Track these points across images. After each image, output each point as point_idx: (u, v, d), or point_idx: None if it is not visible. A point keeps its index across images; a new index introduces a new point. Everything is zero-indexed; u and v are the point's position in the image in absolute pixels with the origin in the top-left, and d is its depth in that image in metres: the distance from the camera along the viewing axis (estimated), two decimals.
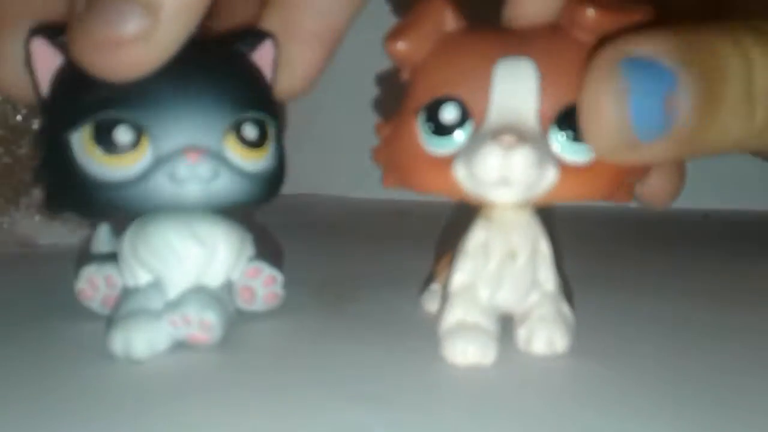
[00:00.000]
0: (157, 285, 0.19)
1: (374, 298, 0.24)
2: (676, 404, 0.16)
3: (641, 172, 0.19)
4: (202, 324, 0.19)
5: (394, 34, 0.19)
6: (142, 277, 0.20)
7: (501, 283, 0.19)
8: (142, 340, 0.18)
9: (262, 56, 0.21)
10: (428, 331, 0.20)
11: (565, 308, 0.20)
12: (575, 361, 0.19)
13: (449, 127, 0.18)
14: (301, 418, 0.16)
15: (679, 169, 0.24)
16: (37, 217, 0.30)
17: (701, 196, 0.40)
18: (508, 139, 0.17)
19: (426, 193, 0.19)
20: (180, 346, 0.19)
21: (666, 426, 0.15)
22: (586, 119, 0.16)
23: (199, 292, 0.19)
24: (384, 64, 0.37)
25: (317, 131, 0.41)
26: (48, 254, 0.29)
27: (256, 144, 0.19)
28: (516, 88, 0.18)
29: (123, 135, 0.18)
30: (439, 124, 0.18)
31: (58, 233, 0.30)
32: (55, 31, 0.19)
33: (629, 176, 0.19)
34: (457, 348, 0.19)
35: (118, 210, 0.18)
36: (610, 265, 0.29)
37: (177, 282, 0.19)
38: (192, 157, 0.18)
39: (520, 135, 0.17)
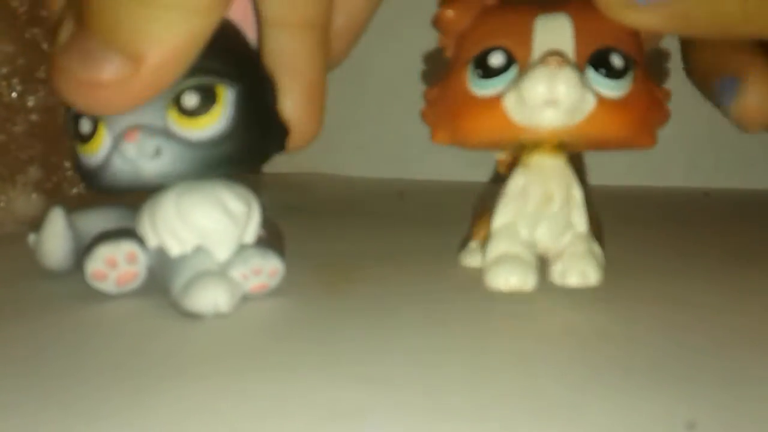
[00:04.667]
0: (201, 249, 0.20)
1: (375, 277, 0.24)
2: (670, 370, 0.17)
3: (664, 116, 0.21)
4: (271, 272, 0.20)
5: (445, 4, 0.21)
6: (189, 243, 0.20)
7: (538, 224, 0.21)
8: (226, 296, 0.19)
9: (237, 9, 0.20)
10: (428, 311, 0.20)
11: (596, 247, 0.22)
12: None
13: (497, 70, 0.20)
14: (301, 398, 0.15)
15: None
16: (33, 196, 0.30)
17: (702, 174, 0.40)
18: (554, 59, 0.19)
19: (475, 137, 0.21)
20: (175, 322, 0.19)
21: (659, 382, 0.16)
22: None
23: (249, 247, 0.21)
24: (389, 45, 0.37)
25: None
26: None
27: (198, 112, 0.19)
28: (554, 37, 0.20)
29: (83, 125, 0.19)
30: (488, 68, 0.20)
31: None
32: None
33: (653, 118, 0.21)
34: (500, 276, 0.21)
35: (107, 191, 0.20)
36: (608, 241, 0.29)
37: (227, 242, 0.20)
38: (130, 137, 0.19)
39: (565, 59, 0.19)
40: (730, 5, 0.18)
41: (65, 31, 0.18)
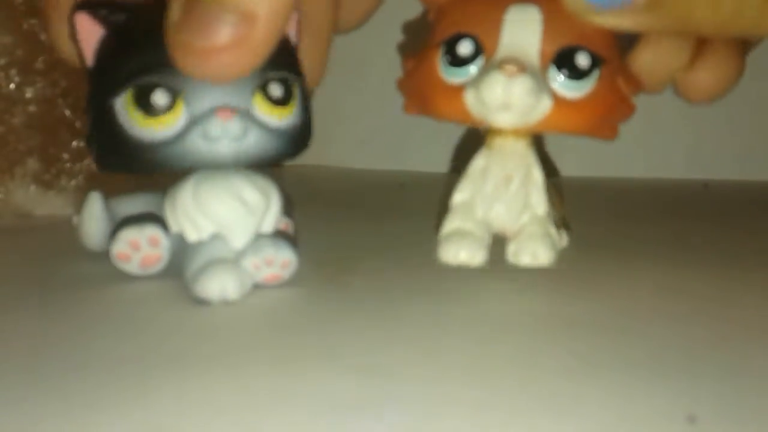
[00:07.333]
0: (218, 237, 0.21)
1: (376, 270, 0.24)
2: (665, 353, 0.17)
3: (627, 112, 0.22)
4: (283, 263, 0.21)
5: None
6: (206, 231, 0.21)
7: (495, 203, 0.22)
8: (235, 284, 0.20)
9: None
10: (429, 303, 0.20)
11: (552, 230, 0.23)
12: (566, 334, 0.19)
13: (464, 60, 0.21)
14: (302, 390, 0.15)
15: (725, 60, 0.23)
16: (32, 188, 0.29)
17: (702, 165, 0.40)
18: (510, 68, 0.20)
19: (441, 118, 0.22)
20: (182, 312, 0.19)
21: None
22: None
23: (264, 237, 0.21)
24: (389, 38, 0.37)
25: (319, 102, 0.40)
26: (45, 225, 0.28)
27: (282, 102, 0.20)
28: (522, 30, 0.20)
29: (160, 98, 0.19)
30: (456, 56, 0.21)
31: (54, 204, 0.30)
32: (96, 5, 0.20)
33: (614, 115, 0.21)
34: (450, 250, 0.22)
35: (160, 168, 0.20)
36: (609, 233, 0.29)
37: (243, 231, 0.21)
38: (222, 116, 0.19)
39: (521, 66, 0.20)
40: (701, 11, 0.18)
41: (176, 8, 0.18)
